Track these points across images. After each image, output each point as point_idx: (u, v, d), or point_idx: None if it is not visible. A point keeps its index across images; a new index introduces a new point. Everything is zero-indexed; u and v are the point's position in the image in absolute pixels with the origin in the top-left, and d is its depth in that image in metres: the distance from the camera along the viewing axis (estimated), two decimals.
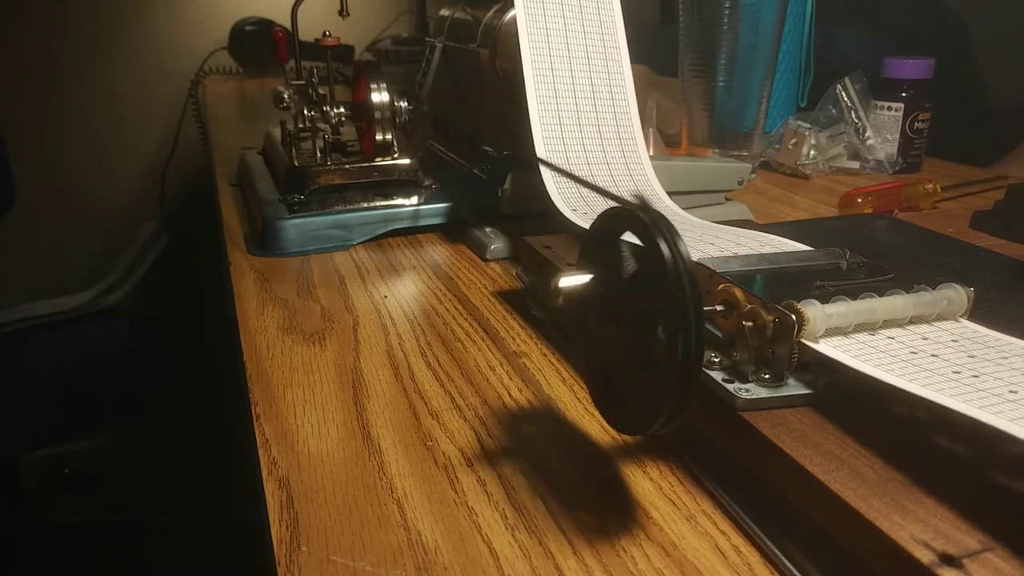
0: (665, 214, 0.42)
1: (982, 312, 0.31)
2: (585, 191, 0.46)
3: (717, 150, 0.74)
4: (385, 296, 0.49)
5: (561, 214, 0.45)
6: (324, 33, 0.64)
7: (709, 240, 0.39)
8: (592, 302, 0.28)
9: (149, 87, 1.53)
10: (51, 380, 1.11)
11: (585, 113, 0.48)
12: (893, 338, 0.29)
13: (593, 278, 0.27)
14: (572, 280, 0.27)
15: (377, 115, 0.60)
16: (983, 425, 0.23)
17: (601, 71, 0.49)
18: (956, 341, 0.29)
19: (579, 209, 0.46)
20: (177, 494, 1.45)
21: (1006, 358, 0.28)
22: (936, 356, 0.28)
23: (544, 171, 0.46)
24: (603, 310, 0.27)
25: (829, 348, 0.28)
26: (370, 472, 0.31)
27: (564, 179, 0.46)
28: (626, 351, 0.26)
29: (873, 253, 0.35)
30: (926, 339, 0.29)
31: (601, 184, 0.45)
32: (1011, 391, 0.25)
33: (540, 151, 0.46)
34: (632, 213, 0.24)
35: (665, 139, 0.74)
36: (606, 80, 0.49)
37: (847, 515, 0.23)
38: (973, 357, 0.28)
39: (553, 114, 0.47)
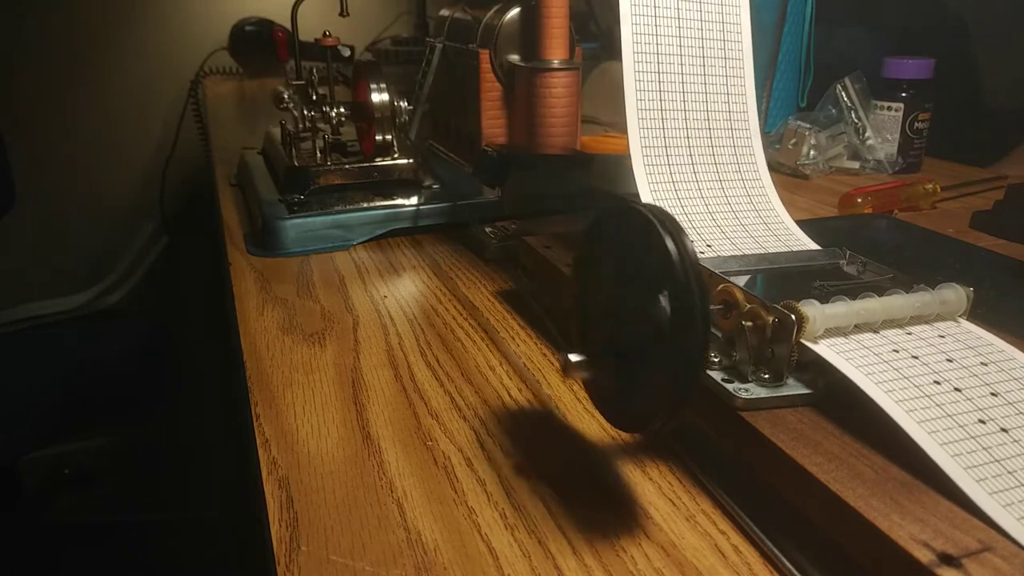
0: (776, 231, 0.40)
1: (982, 312, 0.31)
2: (682, 194, 0.41)
3: None
4: (385, 296, 0.49)
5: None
6: (324, 33, 0.64)
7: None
8: (593, 299, 0.28)
9: (149, 87, 1.53)
10: (51, 380, 1.11)
11: (694, 114, 0.42)
12: (892, 340, 0.29)
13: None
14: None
15: (377, 115, 0.60)
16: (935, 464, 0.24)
17: (718, 64, 0.43)
18: (943, 338, 0.29)
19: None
20: (177, 494, 1.45)
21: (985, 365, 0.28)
22: (916, 358, 0.28)
23: (638, 169, 0.41)
24: (604, 307, 0.27)
25: (826, 349, 0.28)
26: (370, 472, 0.31)
27: (661, 181, 0.41)
28: (625, 349, 0.26)
29: (873, 253, 0.36)
30: (912, 337, 0.30)
31: (714, 193, 0.42)
32: (980, 420, 0.25)
33: (636, 155, 0.41)
34: (637, 210, 0.24)
35: None
36: (723, 78, 0.43)
37: (846, 515, 0.23)
38: (951, 361, 0.28)
39: (656, 113, 0.41)
